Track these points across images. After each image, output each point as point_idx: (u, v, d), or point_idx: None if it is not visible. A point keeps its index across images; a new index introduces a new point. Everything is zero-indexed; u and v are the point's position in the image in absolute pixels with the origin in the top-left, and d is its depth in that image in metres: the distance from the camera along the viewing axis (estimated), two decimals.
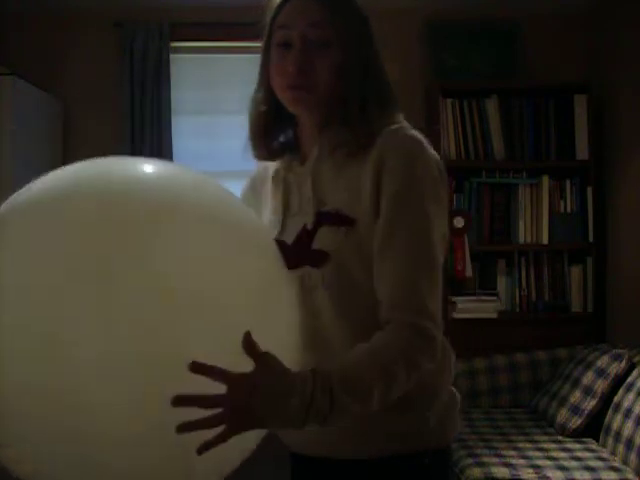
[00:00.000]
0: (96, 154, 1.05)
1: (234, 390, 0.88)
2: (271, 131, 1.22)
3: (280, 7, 1.13)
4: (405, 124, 1.14)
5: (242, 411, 0.89)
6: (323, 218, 1.12)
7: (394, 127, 1.11)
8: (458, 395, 1.21)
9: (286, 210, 1.20)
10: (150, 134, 3.22)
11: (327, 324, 1.12)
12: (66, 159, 3.07)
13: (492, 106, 3.23)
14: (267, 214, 1.24)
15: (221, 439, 0.87)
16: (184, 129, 3.35)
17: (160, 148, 3.21)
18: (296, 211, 1.18)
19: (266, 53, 1.17)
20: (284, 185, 1.21)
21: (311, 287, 1.12)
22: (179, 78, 3.32)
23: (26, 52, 3.25)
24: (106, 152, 1.08)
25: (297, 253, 1.13)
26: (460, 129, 3.22)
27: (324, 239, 1.11)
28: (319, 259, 1.11)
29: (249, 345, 0.88)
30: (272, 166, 1.25)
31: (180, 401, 0.84)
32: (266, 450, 1.13)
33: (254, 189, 1.32)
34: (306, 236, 1.13)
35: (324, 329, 1.12)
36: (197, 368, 0.84)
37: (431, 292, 1.05)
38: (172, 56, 3.28)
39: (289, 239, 1.15)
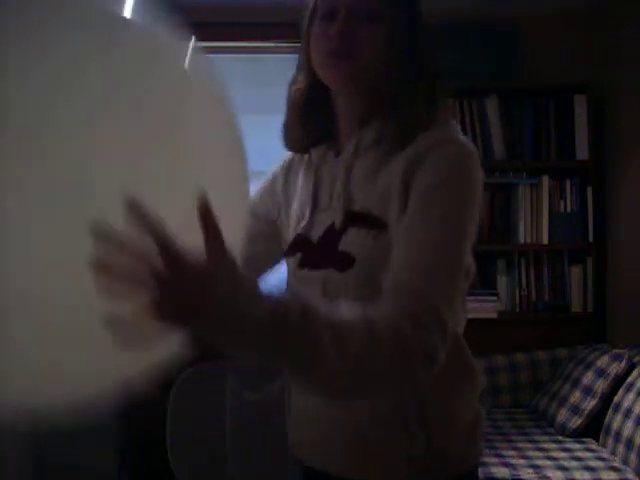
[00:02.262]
0: None
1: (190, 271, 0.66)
2: (308, 118, 1.12)
3: None
4: (452, 129, 1.05)
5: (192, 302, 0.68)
6: (353, 219, 1.03)
7: (439, 132, 1.03)
8: (483, 413, 1.13)
9: (315, 204, 1.10)
10: None
11: None
12: None
13: (492, 106, 3.23)
14: (295, 206, 1.15)
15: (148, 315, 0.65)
16: None
17: None
18: (325, 207, 1.09)
19: (308, 30, 1.06)
20: (315, 177, 1.12)
21: (333, 293, 1.01)
22: None
23: None
24: None
25: (322, 253, 1.06)
26: (460, 129, 3.20)
27: (351, 242, 1.02)
28: (344, 263, 1.01)
29: (204, 210, 0.66)
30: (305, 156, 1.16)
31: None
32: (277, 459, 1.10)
33: (273, 188, 1.22)
34: (333, 236, 1.04)
35: None
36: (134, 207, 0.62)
37: (447, 291, 0.91)
38: None
39: (315, 236, 1.08)
